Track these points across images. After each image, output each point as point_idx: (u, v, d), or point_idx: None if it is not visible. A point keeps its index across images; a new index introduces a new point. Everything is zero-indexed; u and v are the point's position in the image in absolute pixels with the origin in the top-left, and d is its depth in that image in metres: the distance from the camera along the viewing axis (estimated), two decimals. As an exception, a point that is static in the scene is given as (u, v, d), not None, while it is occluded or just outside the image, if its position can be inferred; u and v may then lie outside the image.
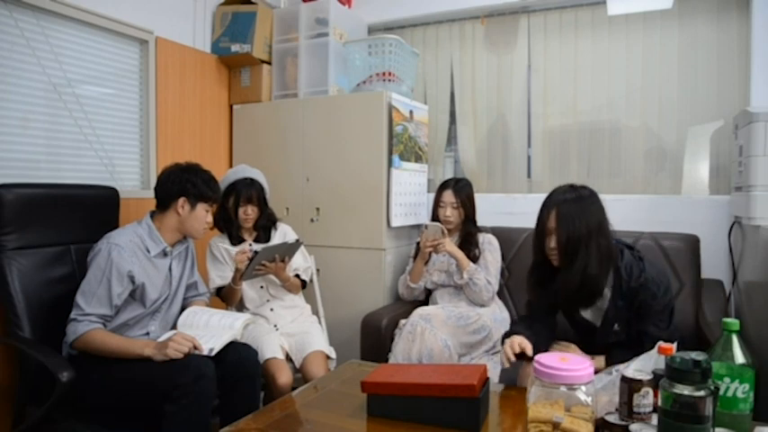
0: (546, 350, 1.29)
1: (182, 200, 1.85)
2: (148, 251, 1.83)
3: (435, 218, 2.47)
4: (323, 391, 1.56)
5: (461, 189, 2.46)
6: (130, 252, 1.77)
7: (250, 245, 2.27)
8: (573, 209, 1.57)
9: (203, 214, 1.89)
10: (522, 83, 2.95)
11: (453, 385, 1.23)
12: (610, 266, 1.60)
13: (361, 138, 2.65)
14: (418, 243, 2.48)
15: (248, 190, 2.21)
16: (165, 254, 1.88)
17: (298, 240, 2.24)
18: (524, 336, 1.57)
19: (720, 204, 2.49)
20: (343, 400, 1.46)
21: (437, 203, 2.48)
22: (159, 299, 1.85)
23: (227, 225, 2.27)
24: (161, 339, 1.71)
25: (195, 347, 1.66)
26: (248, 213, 2.23)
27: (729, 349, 1.07)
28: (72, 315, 1.68)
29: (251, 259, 2.07)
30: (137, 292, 1.78)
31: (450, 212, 2.44)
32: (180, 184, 1.85)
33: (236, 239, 2.28)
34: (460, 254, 2.35)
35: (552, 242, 1.61)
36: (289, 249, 2.20)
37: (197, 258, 2.09)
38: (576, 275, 1.56)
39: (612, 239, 1.62)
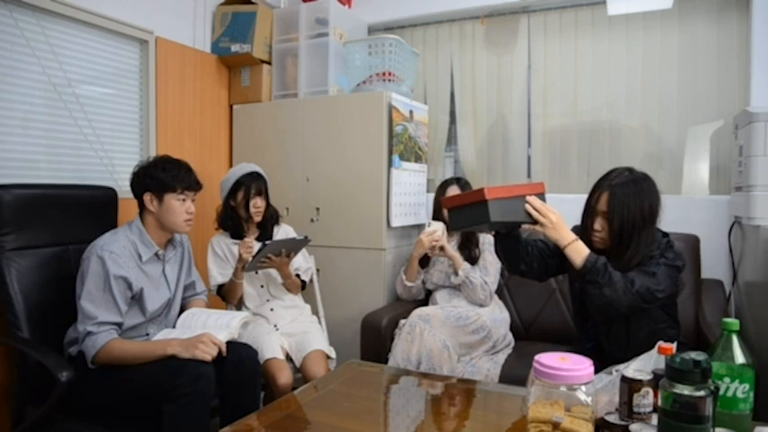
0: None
1: (147, 196, 1.80)
2: (141, 257, 1.79)
3: (439, 218, 2.46)
4: (323, 391, 1.56)
5: (465, 185, 2.47)
6: (125, 258, 1.73)
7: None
8: (628, 191, 1.56)
9: (176, 205, 1.79)
10: (522, 83, 2.95)
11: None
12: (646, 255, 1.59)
13: (361, 138, 2.65)
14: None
15: (257, 182, 2.24)
16: (157, 257, 1.85)
17: (306, 237, 2.24)
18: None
19: (720, 204, 2.48)
20: (343, 400, 1.46)
21: (442, 202, 2.47)
22: (159, 307, 1.84)
23: (234, 222, 2.27)
24: (185, 337, 1.69)
25: (221, 352, 1.65)
26: (258, 206, 2.24)
27: (729, 349, 1.07)
28: (88, 328, 1.61)
29: (258, 251, 2.07)
30: (135, 298, 1.76)
31: None
32: (142, 180, 1.81)
33: (238, 238, 2.27)
34: (456, 254, 2.36)
35: (598, 224, 1.60)
36: (296, 245, 2.21)
37: (196, 257, 2.09)
38: (627, 264, 1.54)
39: (657, 229, 1.62)
